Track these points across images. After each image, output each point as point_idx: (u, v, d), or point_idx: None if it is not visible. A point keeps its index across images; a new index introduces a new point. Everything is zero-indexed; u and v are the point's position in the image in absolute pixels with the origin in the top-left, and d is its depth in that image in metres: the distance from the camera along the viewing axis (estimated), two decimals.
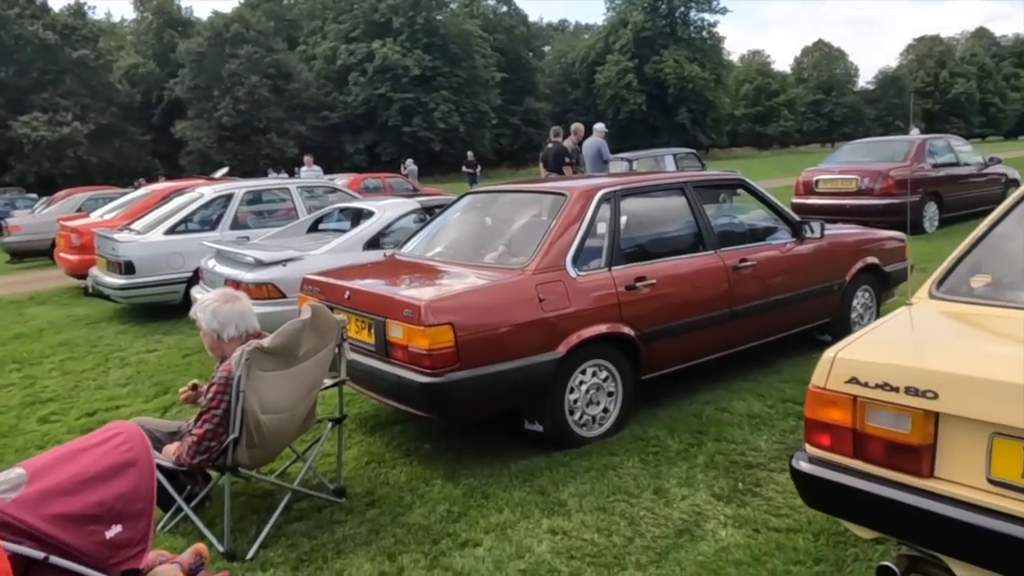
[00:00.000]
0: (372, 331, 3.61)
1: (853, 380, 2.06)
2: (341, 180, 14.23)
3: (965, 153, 11.66)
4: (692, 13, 65.36)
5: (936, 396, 1.90)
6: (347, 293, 3.85)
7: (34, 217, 15.04)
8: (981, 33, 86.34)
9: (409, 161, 26.39)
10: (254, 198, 8.67)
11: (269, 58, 47.27)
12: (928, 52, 77.80)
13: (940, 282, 2.49)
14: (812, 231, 4.76)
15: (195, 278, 6.95)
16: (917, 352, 2.17)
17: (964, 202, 10.89)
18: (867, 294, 5.21)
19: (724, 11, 77.51)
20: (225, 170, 12.96)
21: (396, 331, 3.44)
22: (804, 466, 2.19)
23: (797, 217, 4.91)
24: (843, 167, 11.10)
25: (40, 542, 1.82)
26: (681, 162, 15.46)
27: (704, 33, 66.03)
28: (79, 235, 9.11)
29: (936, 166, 10.82)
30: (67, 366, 6.18)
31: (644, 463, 3.52)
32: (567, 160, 10.45)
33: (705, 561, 2.69)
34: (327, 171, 19.29)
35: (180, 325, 7.17)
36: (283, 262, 5.47)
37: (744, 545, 2.77)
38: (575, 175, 9.87)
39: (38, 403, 5.18)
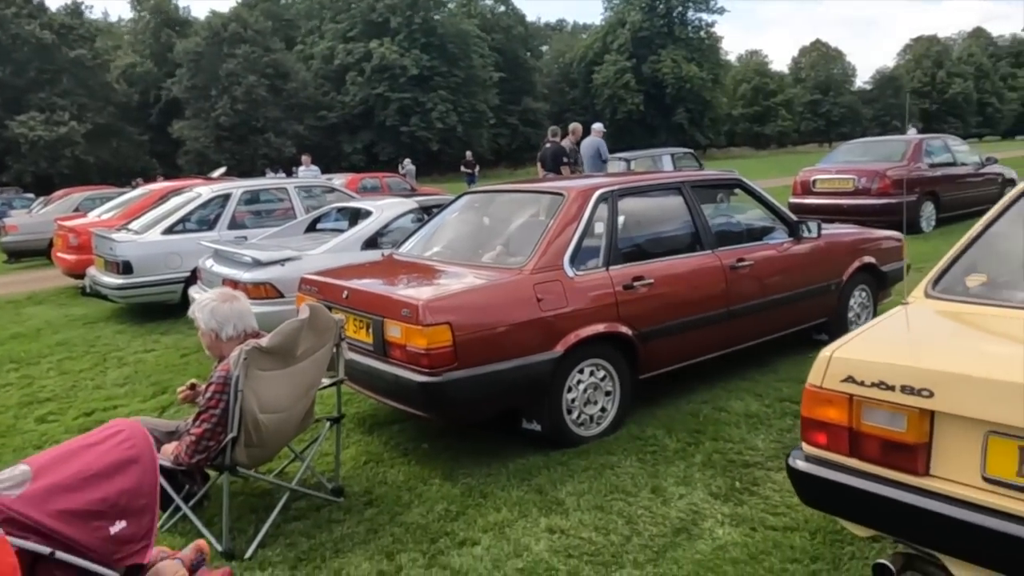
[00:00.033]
0: (370, 331, 3.62)
1: (849, 379, 2.07)
2: (339, 180, 14.22)
3: (962, 153, 11.69)
4: (690, 13, 65.47)
5: (931, 395, 1.91)
6: (345, 293, 3.85)
7: (31, 217, 15.03)
8: (978, 33, 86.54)
9: (407, 161, 26.40)
10: (252, 198, 8.68)
11: (267, 58, 47.22)
12: (925, 52, 77.91)
13: (936, 281, 2.50)
14: (809, 231, 4.77)
15: (193, 278, 6.96)
16: (913, 351, 2.18)
17: (961, 202, 10.92)
18: (864, 294, 5.23)
19: (722, 11, 77.74)
20: (223, 170, 12.97)
21: (394, 330, 3.44)
22: (800, 465, 2.20)
23: (794, 217, 4.92)
24: (840, 167, 11.12)
25: (46, 537, 1.84)
26: (679, 162, 15.48)
27: (702, 33, 66.10)
28: (76, 235, 9.11)
29: (933, 166, 10.84)
30: (65, 366, 6.18)
31: (642, 462, 3.53)
32: (565, 160, 10.46)
33: (702, 559, 2.70)
34: (325, 171, 19.27)
35: (178, 325, 7.17)
36: (281, 262, 5.47)
37: (741, 543, 2.78)
38: (573, 175, 9.88)
39: (36, 403, 5.17)
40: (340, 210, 7.22)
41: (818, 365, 2.15)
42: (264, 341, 2.85)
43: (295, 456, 3.43)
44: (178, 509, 3.01)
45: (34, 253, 13.94)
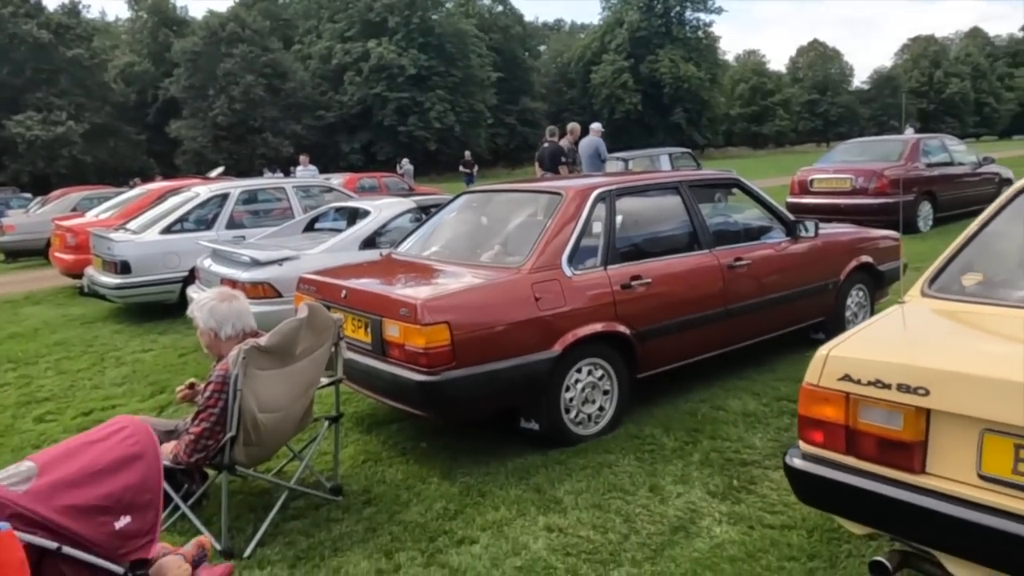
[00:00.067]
0: (368, 330, 3.62)
1: (846, 377, 2.08)
2: (337, 179, 14.24)
3: (959, 153, 11.72)
4: (687, 13, 65.50)
5: (927, 393, 1.92)
6: (343, 292, 3.86)
7: (29, 217, 15.01)
8: (975, 33, 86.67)
9: (405, 160, 26.43)
10: (250, 197, 8.67)
11: (264, 57, 47.15)
12: (923, 52, 78.05)
13: (932, 280, 2.51)
14: (807, 230, 4.79)
15: (191, 277, 6.95)
16: (909, 349, 2.19)
17: (958, 201, 10.94)
18: (861, 293, 5.24)
19: (719, 11, 77.71)
20: (221, 169, 12.99)
21: (392, 330, 3.45)
22: (798, 463, 2.21)
23: (792, 216, 4.93)
24: (838, 167, 11.15)
25: (53, 532, 1.86)
26: (677, 162, 15.50)
27: (699, 33, 66.15)
28: (74, 234, 9.10)
29: (930, 165, 10.87)
30: (63, 366, 6.17)
31: (640, 461, 3.54)
32: (563, 160, 10.47)
33: (700, 558, 2.71)
34: (323, 170, 19.30)
35: (176, 324, 7.17)
36: (279, 261, 5.47)
37: (739, 542, 2.79)
38: (571, 175, 9.89)
39: (34, 403, 5.17)
40: (338, 210, 7.22)
41: (815, 364, 2.16)
42: (263, 340, 2.85)
43: (294, 455, 3.44)
44: (177, 508, 3.01)
45: (32, 253, 13.93)
